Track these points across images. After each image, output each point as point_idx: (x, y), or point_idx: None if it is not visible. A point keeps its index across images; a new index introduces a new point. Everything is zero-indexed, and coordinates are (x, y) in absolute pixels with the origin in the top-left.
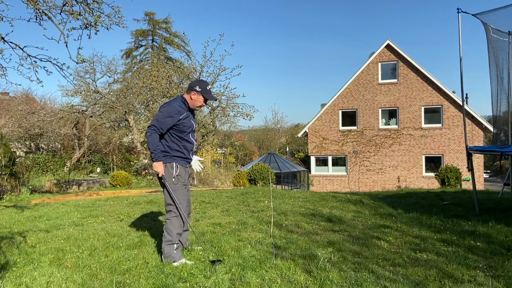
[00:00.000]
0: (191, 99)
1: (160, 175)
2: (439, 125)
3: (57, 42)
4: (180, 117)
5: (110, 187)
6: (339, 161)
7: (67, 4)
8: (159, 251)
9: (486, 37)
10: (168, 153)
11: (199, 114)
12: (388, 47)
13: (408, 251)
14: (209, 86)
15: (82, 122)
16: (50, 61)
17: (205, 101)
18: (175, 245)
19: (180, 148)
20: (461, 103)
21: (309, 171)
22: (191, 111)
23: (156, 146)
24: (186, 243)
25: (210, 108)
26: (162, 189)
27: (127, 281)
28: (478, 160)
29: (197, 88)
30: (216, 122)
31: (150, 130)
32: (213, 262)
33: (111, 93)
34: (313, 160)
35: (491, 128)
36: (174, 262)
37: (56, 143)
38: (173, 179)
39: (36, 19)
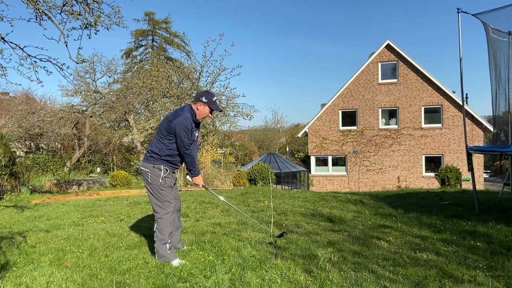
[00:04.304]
0: (197, 110)
1: (201, 186)
2: (439, 125)
3: (57, 42)
4: (192, 129)
5: (110, 187)
6: (339, 161)
7: (67, 4)
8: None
9: (486, 37)
10: (160, 156)
11: None
12: (388, 47)
13: (408, 251)
14: (215, 98)
15: (82, 122)
16: (50, 61)
17: (211, 112)
18: (168, 245)
19: (172, 156)
20: (461, 103)
21: (309, 171)
22: (196, 122)
23: (195, 163)
24: (179, 243)
25: None
26: (147, 193)
27: (127, 281)
28: (478, 160)
29: (204, 99)
30: (216, 122)
31: (188, 151)
32: (280, 235)
33: (111, 93)
34: (313, 160)
35: (491, 128)
36: (169, 262)
37: (56, 143)
38: (161, 180)
39: (36, 19)
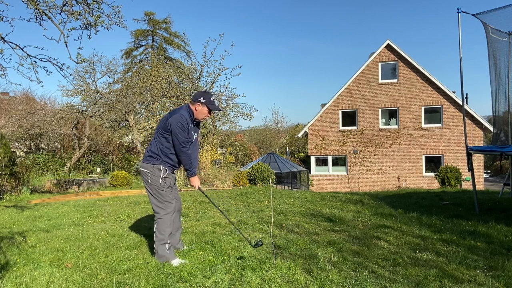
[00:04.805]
0: (196, 110)
1: (196, 188)
2: (439, 125)
3: (57, 42)
4: (188, 127)
5: (110, 187)
6: (339, 161)
7: (67, 4)
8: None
9: (486, 37)
10: (159, 156)
11: None
12: (388, 47)
13: (408, 251)
14: (213, 97)
15: (82, 122)
16: (50, 61)
17: (209, 112)
18: (167, 245)
19: (171, 155)
20: (461, 103)
21: (309, 171)
22: (195, 122)
23: (191, 163)
24: (179, 244)
25: None
26: (147, 194)
27: (127, 281)
28: (478, 160)
29: (201, 99)
30: (216, 122)
31: (185, 149)
32: (256, 244)
33: (111, 93)
34: (313, 160)
35: (491, 128)
36: (168, 262)
37: (56, 143)
38: (161, 181)
39: (36, 19)
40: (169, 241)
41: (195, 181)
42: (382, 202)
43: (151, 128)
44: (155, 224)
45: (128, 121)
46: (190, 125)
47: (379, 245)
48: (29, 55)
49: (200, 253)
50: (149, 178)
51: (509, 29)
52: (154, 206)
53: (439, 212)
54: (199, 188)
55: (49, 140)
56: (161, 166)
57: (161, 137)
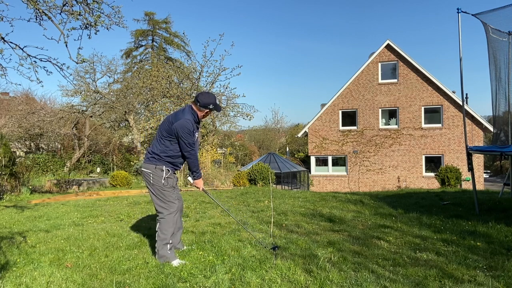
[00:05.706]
0: (199, 111)
1: (201, 190)
2: (439, 125)
3: (57, 42)
4: (193, 131)
5: (110, 187)
6: (339, 161)
7: (67, 4)
8: None
9: (486, 37)
10: (161, 157)
11: None
12: (388, 47)
13: (408, 251)
14: (217, 100)
15: (82, 122)
16: (50, 61)
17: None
18: (169, 245)
19: (173, 157)
20: (461, 103)
21: (309, 171)
22: (197, 122)
23: (198, 164)
24: (179, 244)
25: None
26: (149, 193)
27: (127, 281)
28: (478, 160)
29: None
30: (216, 122)
31: (193, 151)
32: (273, 248)
33: (111, 93)
34: (313, 160)
35: (491, 128)
36: (169, 262)
37: (56, 143)
38: (163, 181)
39: (36, 19)
40: (171, 241)
41: (200, 183)
42: (382, 202)
43: (151, 128)
44: (158, 224)
45: (128, 121)
46: (194, 126)
47: (379, 245)
48: (29, 55)
49: (200, 253)
50: (151, 178)
51: (509, 29)
52: (157, 206)
53: (439, 212)
54: (203, 190)
55: (49, 140)
56: (163, 166)
57: (165, 140)
